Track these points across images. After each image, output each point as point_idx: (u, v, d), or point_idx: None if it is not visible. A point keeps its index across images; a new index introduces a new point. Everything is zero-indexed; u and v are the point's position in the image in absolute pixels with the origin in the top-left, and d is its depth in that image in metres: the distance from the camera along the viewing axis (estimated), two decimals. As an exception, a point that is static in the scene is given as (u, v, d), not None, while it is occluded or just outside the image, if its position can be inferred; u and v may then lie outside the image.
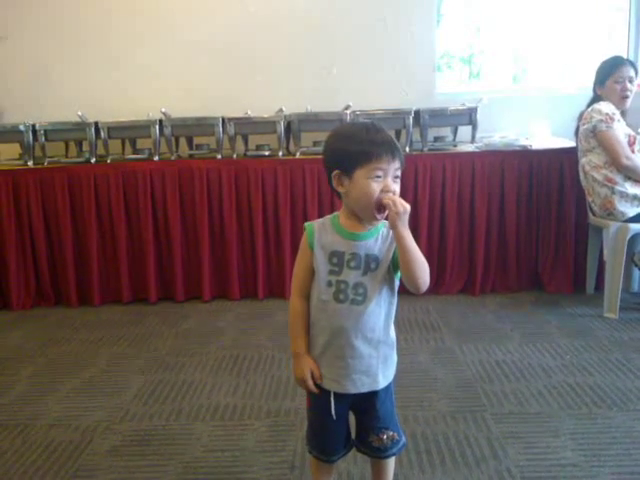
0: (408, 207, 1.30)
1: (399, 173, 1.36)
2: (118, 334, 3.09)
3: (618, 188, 3.00)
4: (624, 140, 3.01)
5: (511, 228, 3.45)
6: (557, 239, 3.46)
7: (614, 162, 3.00)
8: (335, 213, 1.45)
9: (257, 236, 3.48)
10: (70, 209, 3.48)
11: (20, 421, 2.24)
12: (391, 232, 1.38)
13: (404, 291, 1.44)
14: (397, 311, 1.46)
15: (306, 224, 1.45)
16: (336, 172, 1.36)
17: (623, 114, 3.11)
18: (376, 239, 1.39)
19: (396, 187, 1.35)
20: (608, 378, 2.39)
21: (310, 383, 1.43)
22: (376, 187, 1.32)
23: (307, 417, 1.57)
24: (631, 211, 2.99)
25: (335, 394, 1.44)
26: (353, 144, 1.33)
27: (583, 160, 3.14)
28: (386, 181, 1.33)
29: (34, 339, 3.08)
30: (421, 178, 3.40)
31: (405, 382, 2.34)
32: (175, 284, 3.54)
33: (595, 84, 3.15)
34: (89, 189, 3.44)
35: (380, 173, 1.32)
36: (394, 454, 1.53)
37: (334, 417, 1.44)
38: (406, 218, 1.30)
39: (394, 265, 1.39)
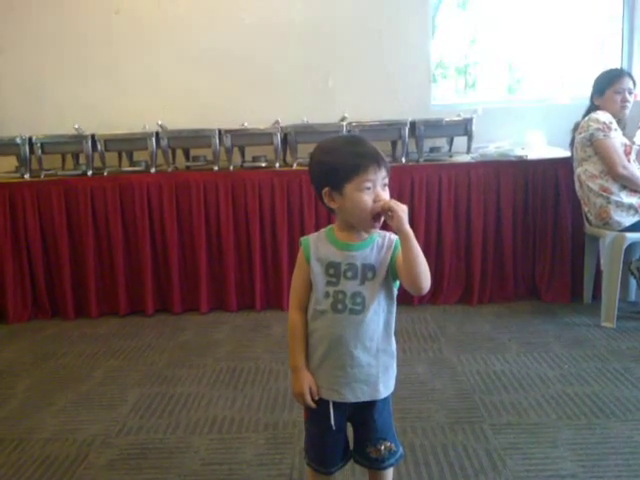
0: (405, 207, 1.32)
1: (387, 181, 1.37)
2: (115, 347, 3.08)
3: (613, 198, 3.01)
4: (621, 149, 3.02)
5: (508, 238, 3.45)
6: (554, 249, 3.46)
7: (610, 171, 3.01)
8: (330, 226, 1.46)
9: (254, 248, 3.48)
10: (67, 222, 3.48)
11: (16, 435, 2.22)
12: (387, 241, 1.40)
13: (402, 301, 1.44)
14: (395, 321, 1.45)
15: (302, 238, 1.47)
16: (326, 189, 1.37)
17: (621, 124, 3.13)
18: (372, 248, 1.40)
19: (386, 195, 1.36)
20: (606, 388, 2.39)
21: (308, 398, 1.43)
22: (368, 199, 1.33)
23: (305, 429, 1.56)
24: (627, 220, 3.00)
25: (334, 404, 1.44)
26: (338, 159, 1.34)
27: (579, 170, 3.15)
28: (376, 191, 1.34)
29: (30, 352, 3.06)
30: (417, 189, 3.40)
31: (403, 393, 2.33)
32: (172, 296, 3.53)
33: (593, 94, 3.16)
34: (86, 202, 3.45)
35: (369, 184, 1.33)
36: (392, 465, 1.52)
37: (334, 427, 1.44)
38: (407, 217, 1.31)
39: (392, 274, 1.39)
